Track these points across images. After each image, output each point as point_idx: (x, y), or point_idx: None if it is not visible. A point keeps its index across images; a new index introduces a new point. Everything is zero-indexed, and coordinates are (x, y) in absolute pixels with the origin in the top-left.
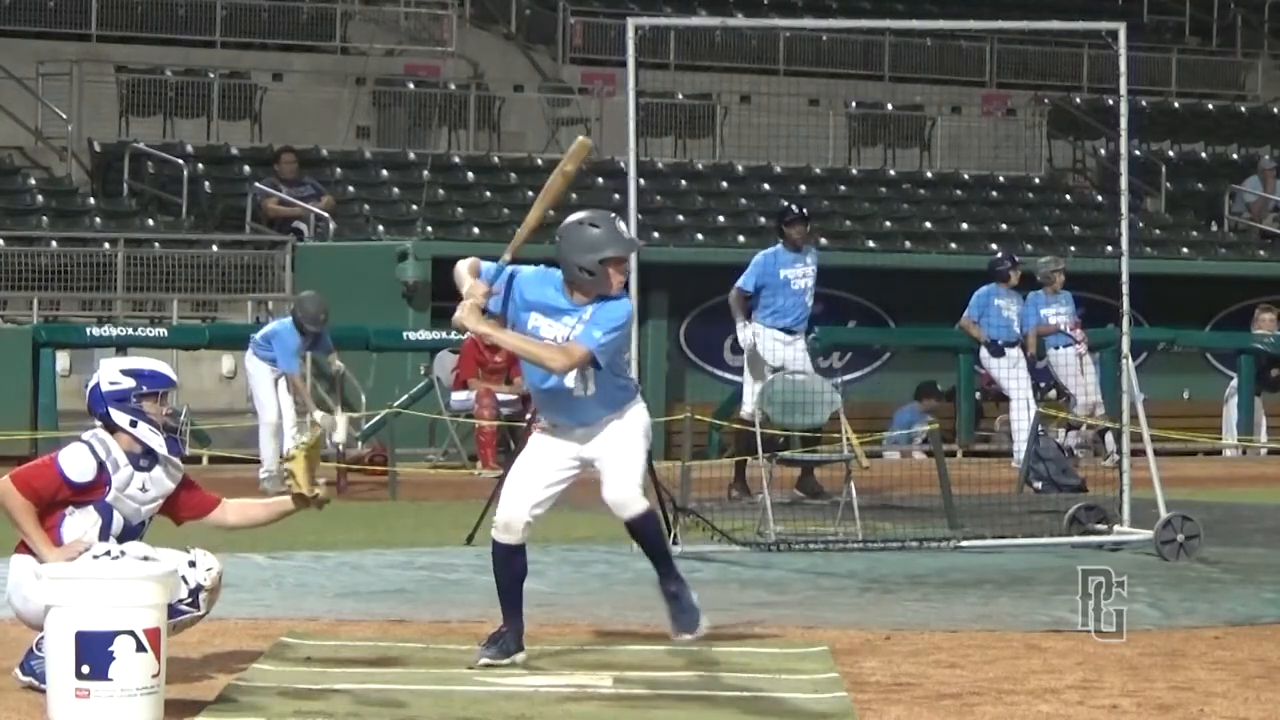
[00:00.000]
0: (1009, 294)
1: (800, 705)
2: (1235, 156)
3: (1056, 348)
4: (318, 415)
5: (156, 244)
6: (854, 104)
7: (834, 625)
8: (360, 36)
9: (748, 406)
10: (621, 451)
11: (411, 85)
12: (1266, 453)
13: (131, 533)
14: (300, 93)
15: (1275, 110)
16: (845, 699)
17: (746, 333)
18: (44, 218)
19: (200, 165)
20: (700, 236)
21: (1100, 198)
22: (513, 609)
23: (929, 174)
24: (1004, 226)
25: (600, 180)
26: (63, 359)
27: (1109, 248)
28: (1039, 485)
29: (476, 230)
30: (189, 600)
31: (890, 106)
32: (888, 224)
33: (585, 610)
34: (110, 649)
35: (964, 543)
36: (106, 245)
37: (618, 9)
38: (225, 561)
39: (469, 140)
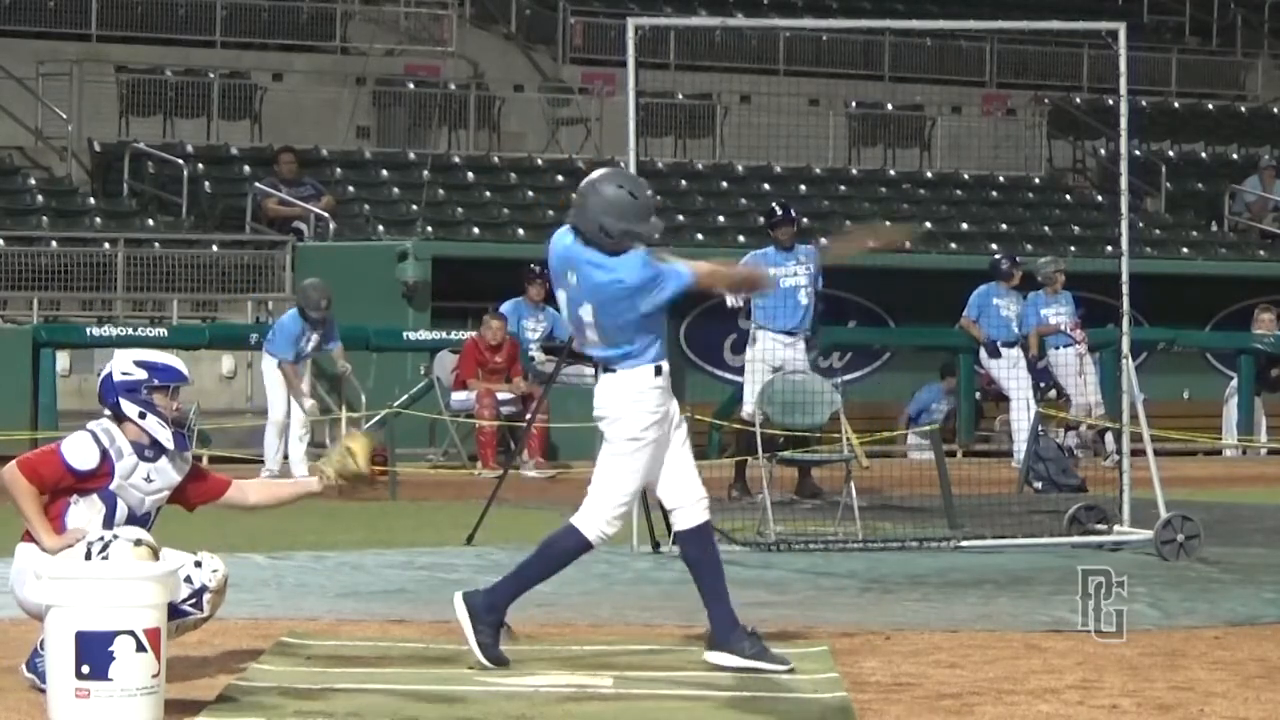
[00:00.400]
0: (1009, 294)
1: (800, 705)
2: (1235, 156)
3: (1057, 348)
4: (307, 404)
5: (156, 244)
6: (854, 104)
7: (834, 625)
8: (360, 36)
9: (748, 407)
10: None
11: (411, 85)
12: (1266, 453)
13: (137, 522)
14: (300, 93)
15: (1275, 110)
16: (845, 699)
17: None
18: (44, 218)
19: (200, 165)
20: (700, 236)
21: (1100, 198)
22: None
23: (929, 174)
24: (1004, 226)
25: None
26: (63, 359)
27: (1109, 248)
28: (1039, 485)
29: (476, 230)
30: (192, 601)
31: (890, 106)
32: (888, 224)
33: (585, 610)
34: (110, 649)
35: (964, 543)
36: (106, 245)
37: (618, 9)
38: (225, 562)
39: (469, 140)
